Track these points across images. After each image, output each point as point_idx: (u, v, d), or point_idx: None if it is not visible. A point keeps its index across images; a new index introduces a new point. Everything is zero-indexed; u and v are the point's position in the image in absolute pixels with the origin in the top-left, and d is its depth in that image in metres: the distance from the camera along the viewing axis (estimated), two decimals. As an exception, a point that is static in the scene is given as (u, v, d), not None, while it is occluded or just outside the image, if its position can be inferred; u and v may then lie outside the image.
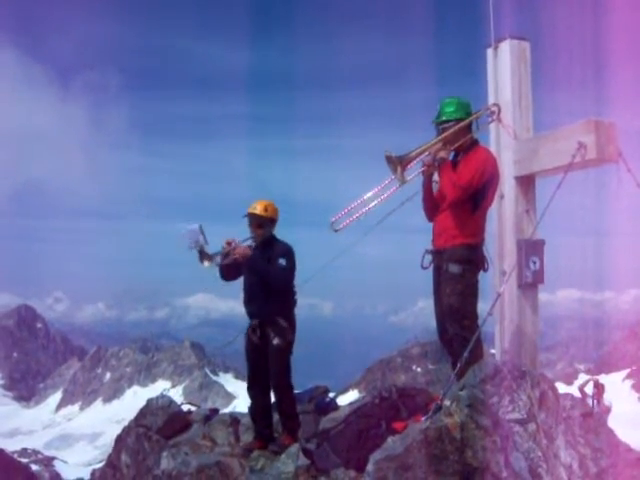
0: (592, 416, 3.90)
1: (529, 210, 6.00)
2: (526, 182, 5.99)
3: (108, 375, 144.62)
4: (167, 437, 7.48)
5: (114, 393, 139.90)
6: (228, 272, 6.57)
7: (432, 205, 5.60)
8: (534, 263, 5.73)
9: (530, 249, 5.73)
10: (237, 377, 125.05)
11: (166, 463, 6.34)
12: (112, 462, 7.91)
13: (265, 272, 6.36)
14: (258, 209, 6.43)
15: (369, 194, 5.52)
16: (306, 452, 5.64)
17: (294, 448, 6.00)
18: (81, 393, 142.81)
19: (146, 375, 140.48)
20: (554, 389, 3.97)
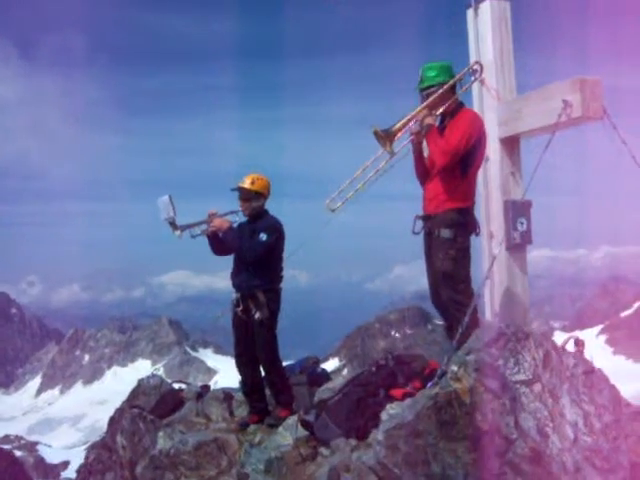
0: (594, 373, 3.94)
1: (514, 172, 6.00)
2: (511, 143, 5.98)
3: (87, 357, 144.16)
4: (160, 416, 7.45)
5: (94, 374, 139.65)
6: (219, 247, 6.54)
7: (424, 172, 5.57)
8: (522, 224, 5.75)
9: (517, 210, 5.74)
10: (217, 352, 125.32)
11: (163, 443, 6.32)
12: (107, 444, 7.87)
13: (237, 245, 6.38)
14: (246, 182, 6.44)
15: (361, 169, 5.50)
16: (304, 424, 5.64)
17: (291, 420, 6.01)
18: (60, 376, 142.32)
19: (125, 355, 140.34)
20: (557, 349, 4.00)
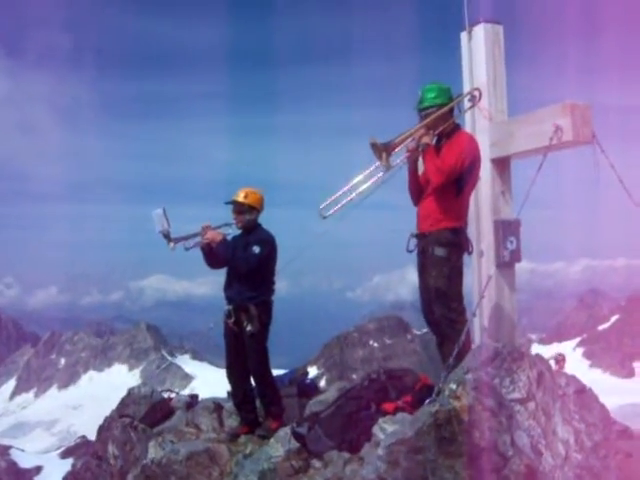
0: (585, 392, 4.07)
1: (505, 191, 6.14)
2: (502, 164, 6.13)
3: (63, 361, 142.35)
4: (150, 425, 7.49)
5: (69, 379, 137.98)
6: (213, 260, 6.63)
7: (417, 189, 5.68)
8: (511, 242, 5.89)
9: (507, 229, 5.89)
10: (194, 358, 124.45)
11: (154, 452, 6.36)
12: (96, 453, 7.88)
13: (229, 257, 6.46)
14: (240, 196, 6.57)
15: (356, 179, 5.58)
16: (297, 436, 5.71)
17: (283, 432, 6.06)
18: (35, 380, 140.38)
19: (102, 359, 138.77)
20: (550, 369, 4.13)
